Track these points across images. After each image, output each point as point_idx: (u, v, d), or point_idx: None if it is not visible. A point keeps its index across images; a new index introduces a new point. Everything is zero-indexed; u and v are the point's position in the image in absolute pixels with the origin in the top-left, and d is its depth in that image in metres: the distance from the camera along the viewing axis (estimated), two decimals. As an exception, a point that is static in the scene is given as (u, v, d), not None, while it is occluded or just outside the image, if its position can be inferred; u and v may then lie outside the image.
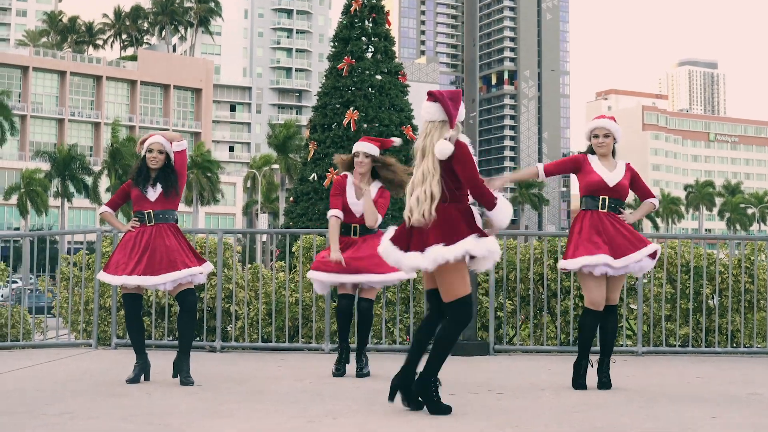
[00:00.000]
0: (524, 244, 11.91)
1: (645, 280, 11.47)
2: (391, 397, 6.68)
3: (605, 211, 8.04)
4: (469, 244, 6.45)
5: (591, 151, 8.33)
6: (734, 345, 11.65)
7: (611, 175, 8.13)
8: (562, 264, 8.14)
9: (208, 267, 8.37)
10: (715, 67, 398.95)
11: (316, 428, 6.02)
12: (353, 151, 9.03)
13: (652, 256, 8.09)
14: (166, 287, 8.13)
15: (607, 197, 8.06)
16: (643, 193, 8.37)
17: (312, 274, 8.99)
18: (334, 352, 10.85)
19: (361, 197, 8.94)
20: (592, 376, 8.27)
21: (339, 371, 8.94)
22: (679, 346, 11.61)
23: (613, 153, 8.31)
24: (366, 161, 8.96)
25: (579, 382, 8.14)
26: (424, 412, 6.54)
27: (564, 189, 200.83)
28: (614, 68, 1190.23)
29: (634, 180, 8.26)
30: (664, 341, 11.49)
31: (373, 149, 8.99)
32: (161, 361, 9.12)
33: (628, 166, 8.29)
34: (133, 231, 8.27)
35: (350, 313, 8.95)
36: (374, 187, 8.98)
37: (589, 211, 8.09)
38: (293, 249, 12.20)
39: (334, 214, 8.86)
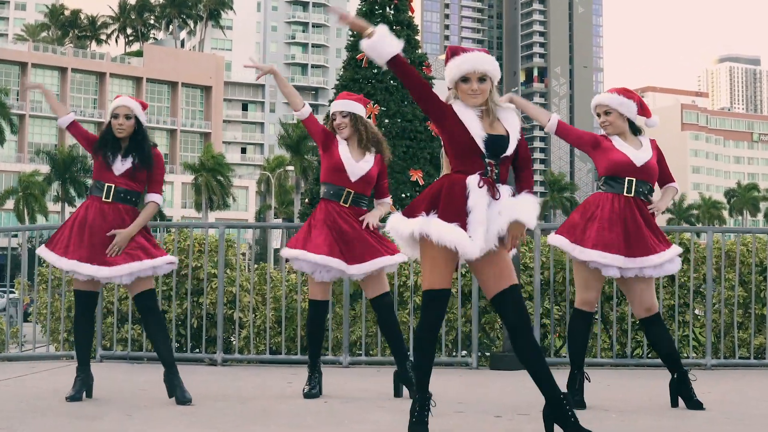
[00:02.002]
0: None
1: (714, 283, 10.53)
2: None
3: (631, 195, 7.15)
4: None
5: None
6: (818, 357, 10.69)
7: (638, 153, 7.24)
8: (554, 240, 7.42)
9: (167, 259, 7.43)
10: (757, 64, 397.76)
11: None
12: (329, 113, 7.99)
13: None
14: (123, 281, 7.23)
15: (633, 179, 7.17)
16: (666, 176, 7.50)
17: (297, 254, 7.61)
18: (354, 366, 10.15)
19: (359, 159, 7.73)
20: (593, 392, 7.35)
21: (314, 390, 7.84)
22: (754, 357, 10.63)
23: (638, 131, 7.41)
24: (344, 121, 7.78)
25: (575, 399, 7.16)
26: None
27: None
28: (651, 64, 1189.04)
29: (659, 160, 7.40)
30: (735, 352, 10.54)
31: (352, 106, 7.79)
32: (154, 376, 8.24)
33: (653, 143, 7.43)
34: (82, 209, 7.38)
35: (324, 323, 7.87)
36: (370, 159, 7.77)
37: (611, 194, 7.19)
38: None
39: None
